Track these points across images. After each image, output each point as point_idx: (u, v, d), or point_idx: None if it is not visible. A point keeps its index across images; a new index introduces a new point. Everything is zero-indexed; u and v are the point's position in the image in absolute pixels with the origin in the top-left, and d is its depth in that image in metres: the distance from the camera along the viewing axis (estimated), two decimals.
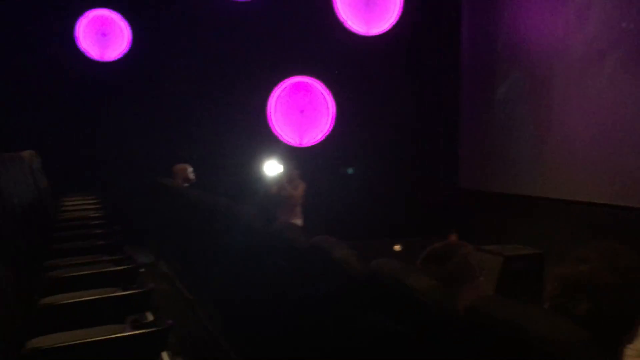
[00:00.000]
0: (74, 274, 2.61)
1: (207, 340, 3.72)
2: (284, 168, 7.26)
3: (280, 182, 7.09)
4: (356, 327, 1.88)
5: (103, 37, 7.41)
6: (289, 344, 2.53)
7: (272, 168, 7.36)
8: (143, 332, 1.80)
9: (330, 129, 8.29)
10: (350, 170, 7.66)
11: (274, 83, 8.22)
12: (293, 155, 7.70)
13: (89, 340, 1.75)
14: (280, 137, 8.16)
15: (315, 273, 2.21)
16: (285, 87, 8.22)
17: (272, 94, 8.18)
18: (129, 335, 1.77)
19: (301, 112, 8.09)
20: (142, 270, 2.81)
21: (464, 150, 8.68)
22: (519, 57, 7.50)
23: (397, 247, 6.95)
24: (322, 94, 8.28)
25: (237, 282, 3.53)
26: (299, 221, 6.90)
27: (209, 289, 4.19)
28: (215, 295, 4.05)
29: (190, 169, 6.62)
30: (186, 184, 6.47)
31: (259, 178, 7.52)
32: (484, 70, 8.20)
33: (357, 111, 8.40)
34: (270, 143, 7.97)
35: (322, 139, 8.29)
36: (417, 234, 7.07)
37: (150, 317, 2.30)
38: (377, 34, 8.16)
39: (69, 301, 2.18)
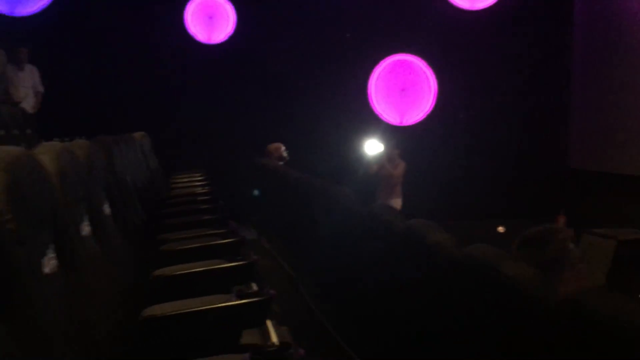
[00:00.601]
0: (184, 247, 2.75)
1: (307, 314, 3.82)
2: (384, 147, 7.25)
3: (380, 161, 7.09)
4: (449, 313, 1.88)
5: (210, 20, 7.69)
6: (382, 324, 2.56)
7: (372, 147, 7.37)
8: (248, 302, 1.90)
9: (431, 108, 8.16)
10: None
11: (375, 62, 8.18)
12: (393, 134, 7.66)
13: (199, 308, 1.86)
14: (380, 116, 8.13)
15: (410, 256, 2.22)
16: (386, 66, 8.16)
17: (372, 73, 8.15)
18: (235, 304, 1.87)
19: (402, 91, 8.01)
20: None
21: (575, 129, 8.27)
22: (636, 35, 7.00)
23: (500, 229, 6.77)
24: (424, 72, 8.15)
25: (334, 261, 3.60)
26: (398, 201, 6.88)
27: (308, 266, 4.30)
28: (314, 273, 4.15)
29: (283, 148, 6.75)
30: (280, 163, 6.61)
31: (358, 157, 7.55)
32: (598, 49, 7.73)
33: (460, 89, 8.20)
34: (371, 122, 7.97)
35: (423, 117, 8.18)
36: (525, 216, 6.84)
37: (254, 287, 2.40)
38: (482, 8, 7.88)
39: (180, 272, 2.31)
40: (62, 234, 1.59)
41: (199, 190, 4.76)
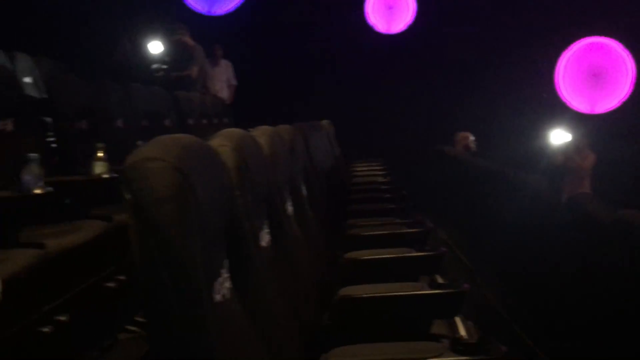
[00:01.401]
0: (371, 233, 2.81)
1: (487, 309, 3.72)
2: (572, 137, 6.77)
3: (567, 152, 6.64)
4: None
5: (389, 10, 7.74)
6: (575, 321, 2.42)
7: (558, 137, 6.92)
8: (442, 292, 1.88)
9: (628, 95, 7.45)
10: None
11: (563, 45, 7.66)
12: (582, 123, 7.13)
13: (395, 294, 1.88)
14: (568, 104, 7.60)
15: (620, 248, 2.06)
16: (578, 49, 7.59)
17: (561, 57, 7.63)
18: (429, 293, 1.87)
19: (594, 76, 7.40)
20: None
21: None
22: None
23: None
24: (620, 55, 7.46)
25: (518, 253, 3.45)
26: None
27: (489, 258, 4.17)
28: (495, 266, 4.02)
29: (471, 138, 6.61)
30: (467, 152, 6.48)
31: (543, 147, 7.14)
32: None
33: None
34: (557, 110, 7.49)
35: (618, 105, 7.50)
36: None
37: (439, 279, 2.38)
38: None
39: (369, 257, 2.36)
40: (273, 211, 1.70)
41: (380, 179, 4.84)
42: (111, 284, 2.34)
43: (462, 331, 2.04)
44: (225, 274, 1.15)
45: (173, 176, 0.94)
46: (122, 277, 2.40)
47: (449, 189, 5.95)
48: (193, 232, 0.95)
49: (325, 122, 5.13)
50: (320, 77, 7.95)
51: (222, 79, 7.53)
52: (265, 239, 1.58)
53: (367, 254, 2.41)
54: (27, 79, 4.79)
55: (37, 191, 2.02)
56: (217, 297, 1.08)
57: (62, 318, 1.95)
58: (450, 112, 7.59)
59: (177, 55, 6.91)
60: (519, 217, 3.44)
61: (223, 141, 1.36)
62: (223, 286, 1.12)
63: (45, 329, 1.86)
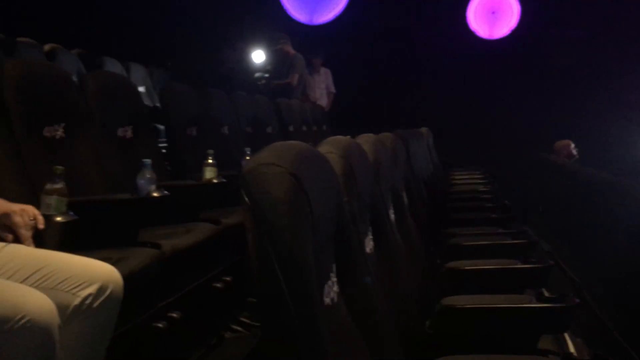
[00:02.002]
0: (472, 243, 2.75)
1: (596, 325, 3.55)
2: None
3: None
4: None
5: (492, 15, 7.56)
6: None
7: None
8: (550, 307, 1.81)
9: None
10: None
11: None
12: None
13: (501, 305, 1.83)
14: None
15: None
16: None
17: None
18: (537, 307, 1.80)
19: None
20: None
21: None
22: None
23: None
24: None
25: (630, 267, 3.26)
26: None
27: (596, 272, 3.97)
28: (604, 280, 3.81)
29: (572, 145, 6.35)
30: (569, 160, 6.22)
31: None
32: None
33: None
34: None
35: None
36: None
37: (545, 293, 2.30)
38: None
39: (472, 267, 2.31)
40: (377, 218, 1.71)
41: (481, 187, 4.74)
42: (218, 284, 2.43)
43: (572, 348, 1.97)
44: (333, 278, 1.17)
45: (288, 181, 0.97)
46: (228, 278, 2.50)
47: (553, 199, 5.72)
48: (306, 235, 0.98)
49: (424, 129, 5.09)
50: (418, 84, 7.89)
51: (321, 87, 7.65)
52: (369, 245, 1.59)
53: (469, 264, 2.36)
54: (141, 88, 5.10)
55: (155, 194, 2.15)
56: (327, 301, 1.10)
57: (174, 315, 2.06)
58: (551, 120, 7.29)
59: (278, 64, 7.10)
60: (632, 228, 3.25)
61: (331, 148, 1.39)
62: (332, 290, 1.14)
63: (160, 325, 1.97)
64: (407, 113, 7.44)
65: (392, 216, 2.07)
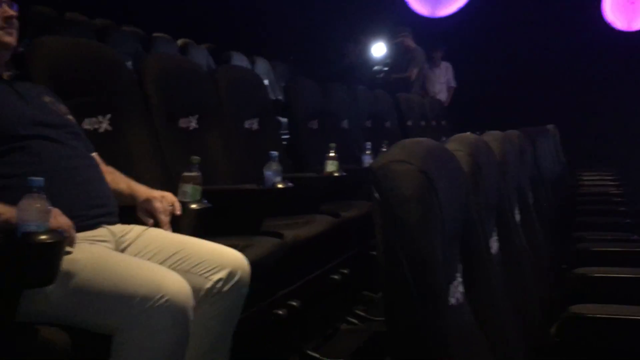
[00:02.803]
0: (603, 248, 2.60)
1: None
2: None
3: None
4: None
5: (631, 5, 7.04)
6: None
7: None
8: None
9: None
10: None
11: None
12: None
13: (634, 317, 1.73)
14: None
15: None
16: None
17: None
18: None
19: None
20: None
21: None
22: None
23: None
24: None
25: None
26: None
27: None
28: None
29: None
30: None
31: None
32: None
33: None
34: None
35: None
36: None
37: None
38: None
39: (603, 275, 2.18)
40: (502, 218, 1.66)
41: (612, 190, 4.45)
42: (336, 276, 2.47)
43: None
44: (459, 278, 1.16)
45: (418, 178, 0.97)
46: (345, 271, 2.53)
47: None
48: (435, 232, 0.98)
49: (550, 126, 4.85)
50: (544, 79, 7.52)
51: (441, 81, 7.52)
52: (494, 246, 1.55)
53: (599, 271, 2.24)
54: (265, 82, 5.28)
55: (280, 185, 2.22)
56: (452, 301, 1.09)
57: (294, 303, 2.12)
58: None
59: (398, 57, 7.07)
60: None
61: (458, 146, 1.37)
62: (457, 290, 1.13)
63: (280, 312, 2.04)
64: (532, 109, 7.12)
65: (518, 217, 2.00)
